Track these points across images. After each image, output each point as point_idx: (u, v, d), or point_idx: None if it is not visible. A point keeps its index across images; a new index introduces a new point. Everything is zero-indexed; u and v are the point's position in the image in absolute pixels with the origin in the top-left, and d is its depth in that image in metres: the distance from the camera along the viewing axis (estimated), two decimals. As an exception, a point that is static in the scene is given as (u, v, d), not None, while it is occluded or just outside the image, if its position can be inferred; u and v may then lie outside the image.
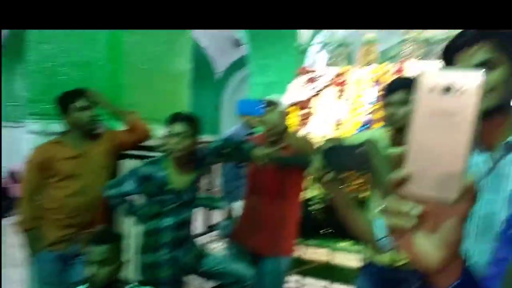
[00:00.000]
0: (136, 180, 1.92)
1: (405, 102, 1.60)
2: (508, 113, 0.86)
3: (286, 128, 1.89)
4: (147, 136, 2.40)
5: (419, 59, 4.05)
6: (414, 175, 0.41)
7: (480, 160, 0.87)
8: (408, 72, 3.35)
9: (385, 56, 5.57)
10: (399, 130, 1.64)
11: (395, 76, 3.41)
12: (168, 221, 1.91)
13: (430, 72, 0.41)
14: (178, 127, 1.85)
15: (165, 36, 2.91)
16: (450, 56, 0.90)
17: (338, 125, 3.40)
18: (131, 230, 2.33)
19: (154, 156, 2.09)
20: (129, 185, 1.94)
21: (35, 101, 2.64)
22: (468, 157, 0.39)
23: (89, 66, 2.59)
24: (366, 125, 3.25)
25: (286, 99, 3.84)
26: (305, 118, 3.65)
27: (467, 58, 0.86)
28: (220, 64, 9.83)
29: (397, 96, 1.61)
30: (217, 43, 8.68)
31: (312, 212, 3.29)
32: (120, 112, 2.38)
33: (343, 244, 2.94)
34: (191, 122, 1.89)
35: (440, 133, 0.40)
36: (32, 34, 2.68)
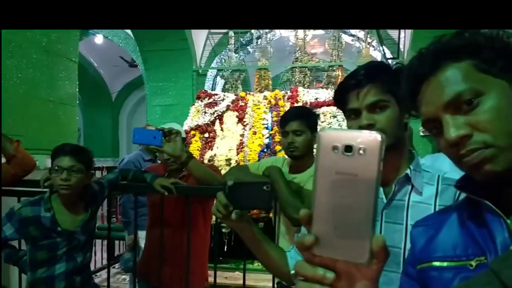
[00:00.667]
0: (16, 223, 1.68)
1: (301, 131, 1.71)
2: (400, 150, 0.94)
3: (187, 157, 1.85)
4: (30, 169, 2.12)
5: (307, 86, 4.39)
6: (323, 237, 0.40)
7: None
8: (301, 97, 3.60)
9: (277, 81, 5.95)
10: (297, 158, 1.74)
11: (289, 101, 3.65)
12: (60, 267, 1.70)
13: (330, 131, 0.40)
14: (64, 162, 1.66)
15: (46, 59, 2.67)
16: (342, 95, 0.96)
17: (241, 148, 3.47)
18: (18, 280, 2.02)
19: (38, 193, 1.85)
20: (8, 229, 1.69)
21: None
22: (375, 217, 0.39)
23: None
24: (267, 148, 3.38)
25: (187, 122, 3.81)
26: (209, 141, 3.65)
27: (360, 98, 0.92)
28: (115, 84, 9.44)
29: (293, 125, 1.71)
30: (109, 63, 8.27)
31: (224, 234, 3.28)
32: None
33: (256, 264, 2.96)
34: (79, 155, 1.71)
35: (345, 193, 0.39)
36: None
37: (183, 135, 2.11)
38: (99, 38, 6.60)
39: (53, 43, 2.71)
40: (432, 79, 0.61)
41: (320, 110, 3.49)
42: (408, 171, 0.92)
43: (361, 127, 0.91)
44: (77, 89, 2.88)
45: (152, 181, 1.93)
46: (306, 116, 1.76)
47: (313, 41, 5.50)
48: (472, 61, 0.59)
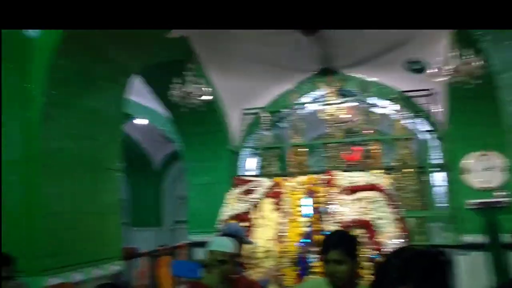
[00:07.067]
0: None
1: (342, 261, 1.69)
2: None
3: (228, 285, 1.87)
4: None
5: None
6: None
7: None
8: (336, 182, 3.57)
9: (312, 152, 5.98)
10: (340, 286, 1.71)
11: (325, 186, 3.63)
12: None
13: None
14: None
15: (89, 176, 2.83)
16: None
17: (280, 237, 3.44)
18: None
19: None
20: None
21: None
22: None
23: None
24: (307, 238, 3.33)
25: (226, 211, 3.86)
26: (246, 231, 3.64)
27: None
28: (156, 156, 9.91)
29: (334, 255, 1.70)
30: (149, 137, 8.77)
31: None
32: None
33: None
34: None
35: None
36: None
37: (234, 249, 2.03)
38: (143, 121, 7.04)
39: (93, 153, 2.85)
40: None
41: (358, 195, 3.43)
42: None
43: None
44: (118, 198, 3.03)
45: None
46: (346, 244, 1.76)
47: (344, 111, 5.54)
48: None
